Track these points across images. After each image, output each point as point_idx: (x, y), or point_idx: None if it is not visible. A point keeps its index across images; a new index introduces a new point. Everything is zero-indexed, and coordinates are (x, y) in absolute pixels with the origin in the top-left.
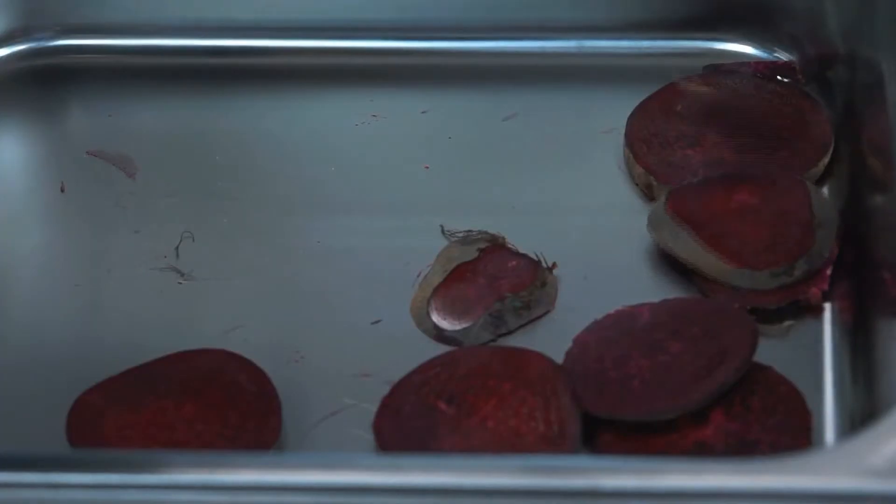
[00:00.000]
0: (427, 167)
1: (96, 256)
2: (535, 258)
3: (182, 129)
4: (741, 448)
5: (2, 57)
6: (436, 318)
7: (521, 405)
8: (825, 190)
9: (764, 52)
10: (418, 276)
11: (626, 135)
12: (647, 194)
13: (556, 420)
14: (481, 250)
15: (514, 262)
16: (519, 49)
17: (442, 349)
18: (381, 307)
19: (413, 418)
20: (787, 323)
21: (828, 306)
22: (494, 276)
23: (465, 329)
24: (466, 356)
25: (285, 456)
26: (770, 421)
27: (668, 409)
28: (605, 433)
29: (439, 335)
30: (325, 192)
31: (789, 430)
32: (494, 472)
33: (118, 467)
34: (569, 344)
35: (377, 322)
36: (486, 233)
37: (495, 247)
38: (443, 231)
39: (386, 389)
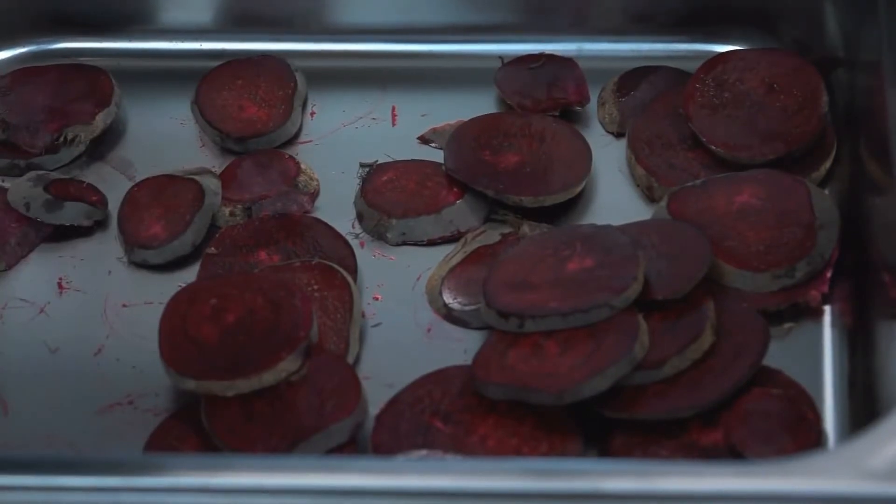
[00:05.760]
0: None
1: (96, 257)
2: None
3: (181, 132)
4: None
5: (2, 59)
6: (447, 296)
7: (520, 424)
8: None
9: None
10: (418, 278)
11: (629, 136)
12: (649, 196)
13: (558, 438)
14: (504, 235)
15: None
16: (519, 52)
17: (438, 357)
18: (382, 310)
19: (411, 436)
20: (787, 325)
21: (828, 308)
22: None
23: (472, 311)
24: (460, 373)
25: (285, 459)
26: None
27: (684, 407)
28: (616, 435)
29: (448, 315)
30: (326, 193)
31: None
32: (495, 475)
33: (117, 470)
34: None
35: (378, 325)
36: (518, 218)
37: (519, 234)
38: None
39: (386, 392)
